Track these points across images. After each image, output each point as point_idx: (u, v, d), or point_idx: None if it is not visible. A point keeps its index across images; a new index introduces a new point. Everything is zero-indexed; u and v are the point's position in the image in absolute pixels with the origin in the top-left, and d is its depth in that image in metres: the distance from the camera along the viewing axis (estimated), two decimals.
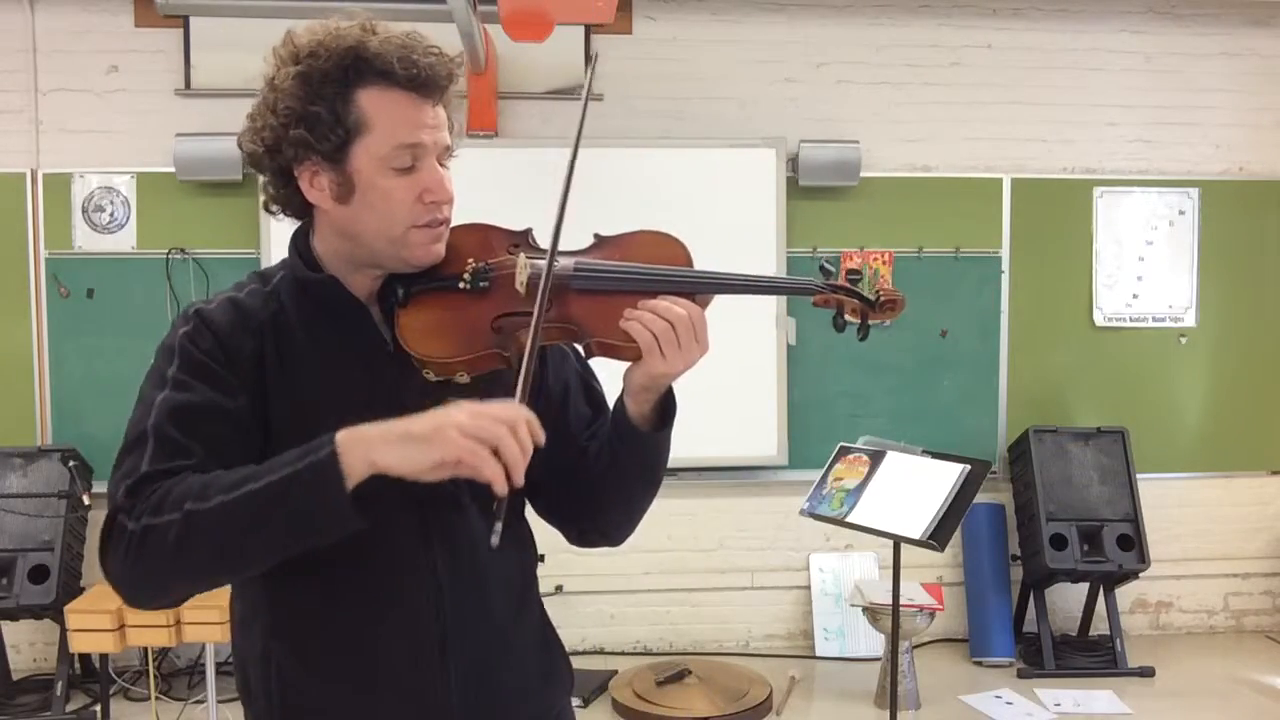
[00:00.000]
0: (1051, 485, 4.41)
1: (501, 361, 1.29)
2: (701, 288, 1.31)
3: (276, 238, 4.16)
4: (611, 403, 1.41)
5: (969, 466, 3.20)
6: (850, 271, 1.38)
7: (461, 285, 1.31)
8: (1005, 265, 4.64)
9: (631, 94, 4.44)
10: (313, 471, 1.13)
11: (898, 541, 3.20)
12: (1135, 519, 4.37)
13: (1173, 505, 4.75)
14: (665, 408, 1.35)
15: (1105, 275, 4.71)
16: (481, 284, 1.31)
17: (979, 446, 4.48)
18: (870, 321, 1.38)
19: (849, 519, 3.26)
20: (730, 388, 4.24)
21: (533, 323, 1.23)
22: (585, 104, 1.29)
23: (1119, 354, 4.73)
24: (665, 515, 4.17)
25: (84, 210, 4.31)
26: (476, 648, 1.36)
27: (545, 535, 1.53)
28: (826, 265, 1.38)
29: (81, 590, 3.94)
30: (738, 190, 4.41)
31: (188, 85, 4.36)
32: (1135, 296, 4.73)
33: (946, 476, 3.19)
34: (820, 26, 4.58)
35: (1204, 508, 4.80)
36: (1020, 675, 4.27)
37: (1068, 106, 4.68)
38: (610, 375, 1.40)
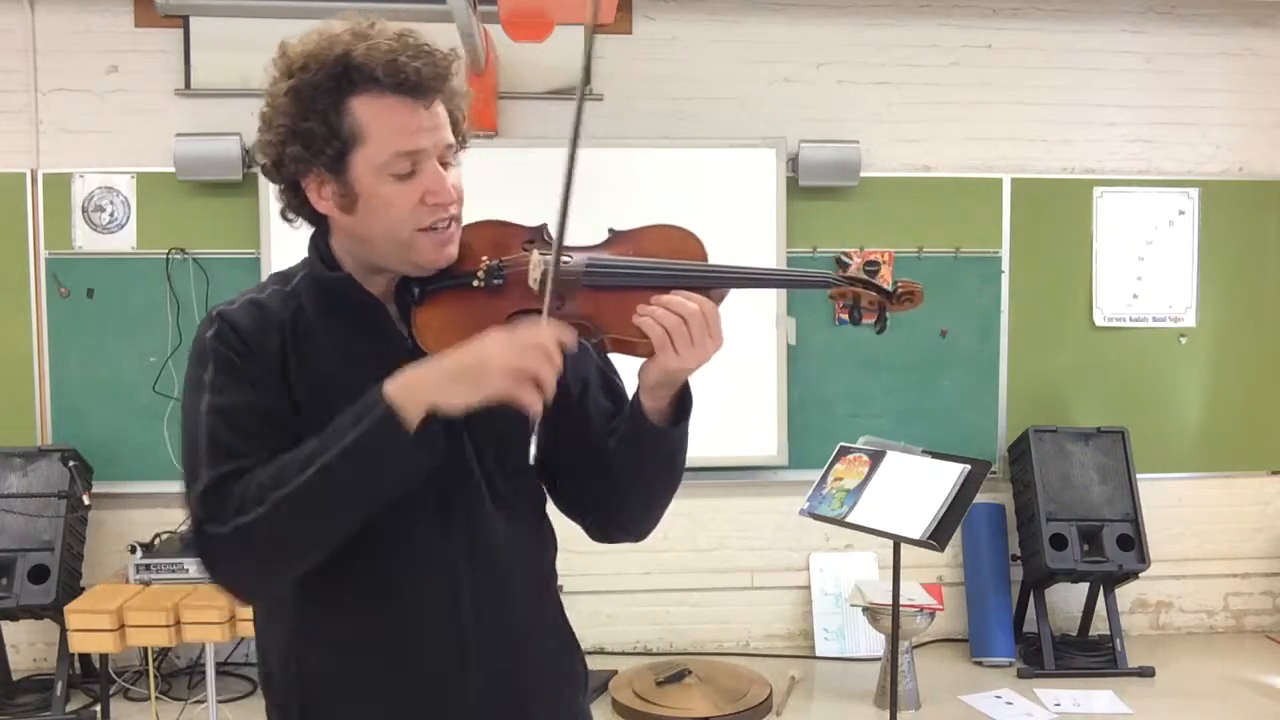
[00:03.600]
0: (1051, 485, 4.41)
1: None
2: (715, 282, 1.30)
3: (276, 238, 4.17)
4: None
5: (969, 466, 3.20)
6: (867, 263, 1.38)
7: (476, 283, 1.31)
8: (1005, 265, 4.64)
9: (631, 94, 4.44)
10: (374, 432, 1.18)
11: (898, 541, 3.20)
12: (1135, 519, 4.37)
13: (1173, 505, 4.75)
14: (682, 403, 1.35)
15: (1105, 275, 4.71)
16: (495, 281, 1.31)
17: (979, 446, 4.47)
18: (888, 313, 1.38)
19: (849, 519, 3.26)
20: (730, 388, 4.24)
21: (542, 320, 1.24)
22: (580, 101, 1.29)
23: (1119, 354, 4.72)
24: (665, 515, 4.16)
25: (84, 210, 4.31)
26: (496, 642, 1.36)
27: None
28: (843, 258, 1.39)
29: (81, 590, 3.93)
30: (738, 190, 4.41)
31: (188, 85, 4.36)
32: (1135, 296, 4.73)
33: (946, 476, 3.19)
34: (820, 26, 4.58)
35: (1204, 508, 4.80)
36: (1020, 675, 4.27)
37: (1068, 106, 4.68)
38: (630, 369, 1.40)
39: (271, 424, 1.27)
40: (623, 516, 1.45)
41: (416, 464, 1.21)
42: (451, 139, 1.32)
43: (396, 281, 1.34)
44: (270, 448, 1.24)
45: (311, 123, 1.25)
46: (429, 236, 1.30)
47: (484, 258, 1.32)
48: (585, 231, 1.34)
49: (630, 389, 1.41)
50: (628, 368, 1.41)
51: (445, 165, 1.31)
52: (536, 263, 1.29)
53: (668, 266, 1.30)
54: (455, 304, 1.31)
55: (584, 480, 1.42)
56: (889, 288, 1.36)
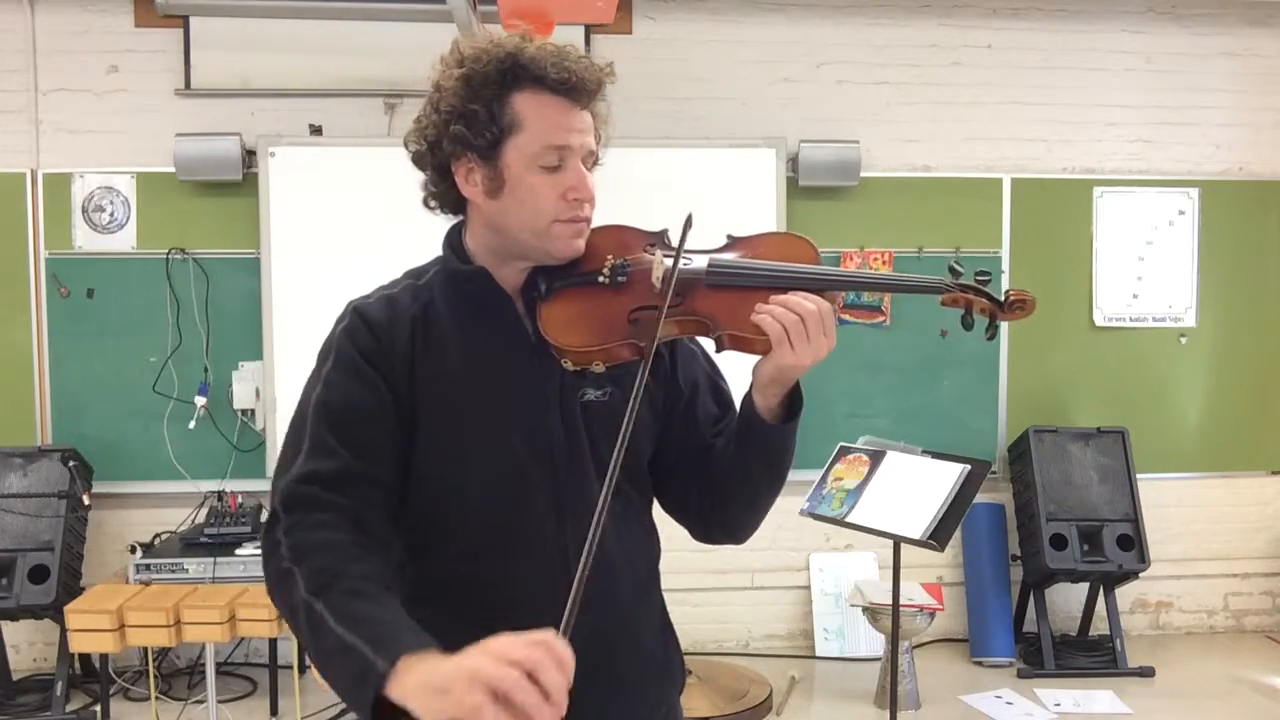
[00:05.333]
0: (1051, 485, 4.41)
1: (635, 352, 1.34)
2: (830, 284, 1.37)
3: (276, 238, 4.16)
4: (738, 399, 1.47)
5: (969, 466, 3.20)
6: (979, 272, 1.41)
7: (601, 279, 1.37)
8: (1005, 265, 4.65)
9: (631, 94, 4.44)
10: (364, 670, 1.17)
11: (898, 541, 3.20)
12: (1135, 519, 4.37)
13: (1173, 505, 4.75)
14: (792, 402, 1.42)
15: (1105, 275, 4.71)
16: (620, 279, 1.37)
17: (979, 446, 4.48)
18: (998, 321, 1.41)
19: (849, 519, 3.26)
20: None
21: (660, 312, 1.30)
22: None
23: (1119, 354, 4.72)
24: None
25: (84, 210, 4.31)
26: (598, 632, 1.37)
27: None
28: (955, 266, 1.42)
29: (81, 590, 3.93)
30: (738, 190, 4.41)
31: (188, 85, 4.36)
32: (1135, 296, 4.73)
33: (946, 476, 3.19)
34: (820, 26, 4.59)
35: (1204, 508, 4.81)
36: (1020, 675, 4.27)
37: (1068, 106, 4.68)
38: (738, 373, 1.46)
39: (374, 427, 1.33)
40: (726, 516, 1.50)
41: (358, 712, 1.21)
42: (595, 147, 1.43)
43: (525, 277, 1.41)
44: (362, 454, 1.31)
45: (476, 106, 1.33)
46: (565, 228, 1.37)
47: (609, 256, 1.39)
48: (699, 239, 1.41)
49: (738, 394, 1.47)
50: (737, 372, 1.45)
51: (586, 168, 1.40)
52: (659, 262, 1.35)
53: (786, 269, 1.37)
54: (580, 299, 1.37)
55: (690, 480, 1.48)
56: (1000, 297, 1.41)
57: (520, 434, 1.38)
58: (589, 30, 4.43)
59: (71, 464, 4.08)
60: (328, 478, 1.29)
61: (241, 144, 4.21)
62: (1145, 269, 4.73)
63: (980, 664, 4.42)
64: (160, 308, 4.31)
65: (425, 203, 1.45)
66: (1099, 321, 4.71)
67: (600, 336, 1.34)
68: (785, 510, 4.25)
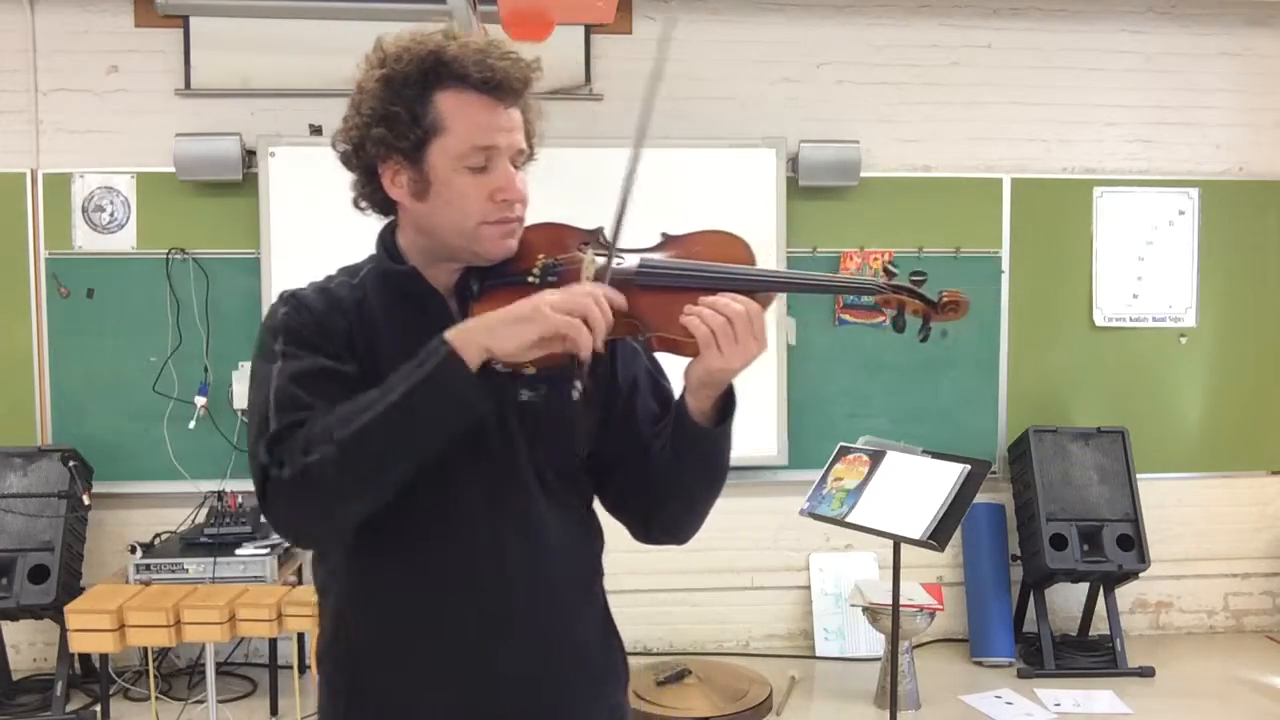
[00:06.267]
0: (1051, 485, 4.41)
1: (568, 354, 1.33)
2: (761, 286, 1.34)
3: (276, 238, 4.17)
4: None
5: (969, 466, 3.20)
6: (914, 273, 1.39)
7: (531, 279, 1.36)
8: (1005, 265, 4.64)
9: (631, 94, 4.43)
10: (438, 372, 1.22)
11: (898, 541, 3.20)
12: (1135, 519, 4.37)
13: (1173, 505, 4.75)
14: (725, 404, 1.39)
15: (1105, 275, 4.71)
16: (550, 279, 1.35)
17: (979, 446, 4.48)
18: (932, 323, 1.39)
19: (849, 519, 3.26)
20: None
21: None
22: (651, 99, 1.36)
23: (1119, 354, 4.72)
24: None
25: (84, 210, 4.31)
26: (539, 618, 1.39)
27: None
28: (890, 267, 1.40)
29: (81, 590, 3.93)
30: (738, 190, 4.41)
31: (188, 85, 4.36)
32: (1135, 296, 4.73)
33: (946, 476, 3.19)
34: (820, 26, 4.59)
35: (1204, 508, 4.81)
36: (1020, 675, 4.27)
37: (1068, 106, 4.68)
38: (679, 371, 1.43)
39: (340, 384, 1.31)
40: (665, 517, 1.48)
41: (475, 405, 1.26)
42: (525, 145, 1.40)
43: (458, 277, 1.40)
44: (337, 403, 1.29)
45: (398, 108, 1.32)
46: (494, 229, 1.35)
47: (540, 255, 1.37)
48: (635, 236, 1.38)
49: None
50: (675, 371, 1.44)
51: (515, 167, 1.38)
52: (590, 261, 1.33)
53: (717, 269, 1.34)
54: (511, 299, 1.34)
55: (629, 479, 1.45)
56: (934, 298, 1.38)
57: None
58: (589, 30, 4.43)
59: (71, 464, 4.08)
60: (303, 422, 1.27)
61: (241, 144, 4.21)
62: (1145, 269, 4.73)
63: (980, 664, 4.42)
64: (160, 308, 4.31)
65: (355, 203, 1.43)
66: (1099, 321, 4.71)
67: None
68: (785, 510, 4.29)
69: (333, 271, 1.47)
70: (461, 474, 1.34)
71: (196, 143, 4.20)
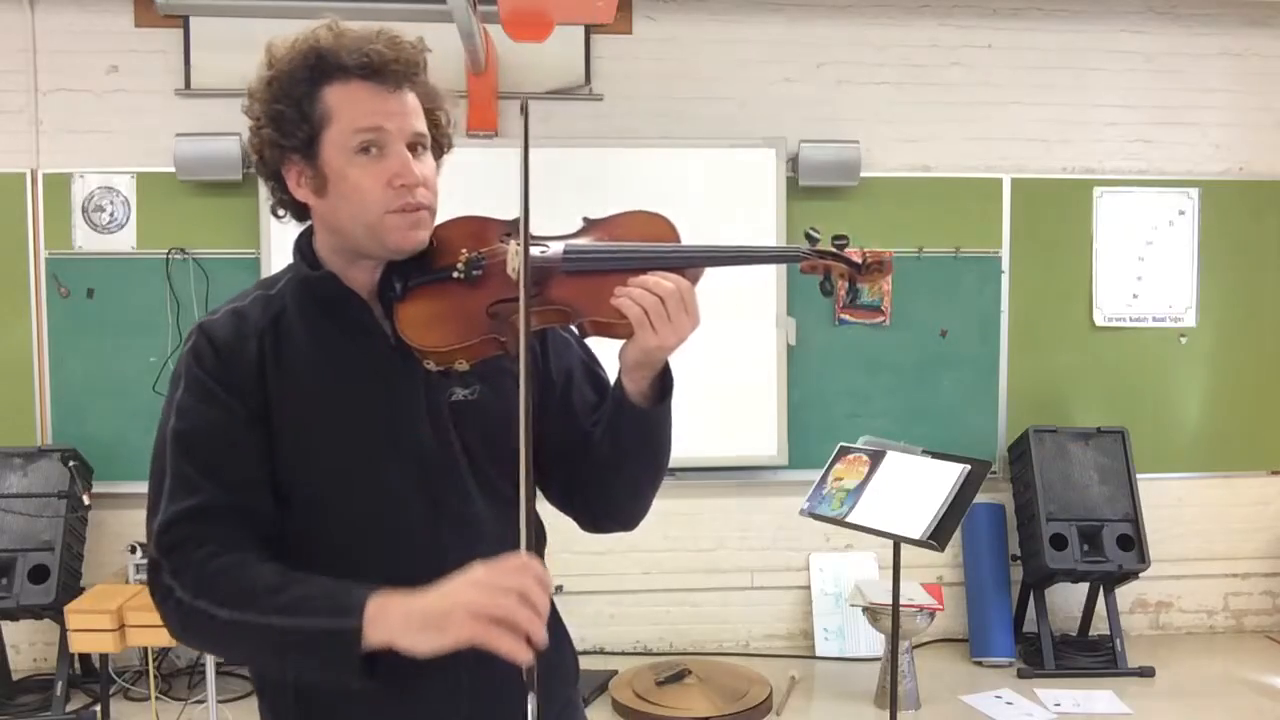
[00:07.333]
0: (1051, 485, 4.41)
1: (499, 347, 1.32)
2: (688, 262, 1.33)
3: (276, 238, 4.16)
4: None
5: (969, 466, 3.20)
6: (836, 236, 1.39)
7: (456, 275, 1.34)
8: (1005, 265, 4.64)
9: (631, 94, 4.44)
10: (334, 639, 1.21)
11: (898, 541, 3.20)
12: (1135, 519, 4.37)
13: (1173, 505, 4.75)
14: (663, 384, 1.37)
15: (1105, 275, 4.71)
16: (475, 273, 1.34)
17: (979, 446, 4.47)
18: (858, 284, 1.40)
19: (849, 519, 3.27)
20: (730, 388, 4.25)
21: (520, 306, 1.26)
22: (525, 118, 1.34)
23: (1119, 354, 4.73)
24: (665, 515, 4.16)
25: (84, 210, 4.32)
26: None
27: (549, 536, 1.53)
28: (812, 232, 1.40)
29: (81, 590, 3.93)
30: (738, 190, 4.41)
31: (188, 85, 4.36)
32: (1135, 296, 4.73)
33: (946, 476, 3.19)
34: (820, 26, 4.58)
35: (1204, 508, 4.80)
36: (1020, 675, 4.27)
37: (1068, 106, 4.68)
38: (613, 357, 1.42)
39: (233, 453, 1.30)
40: (609, 504, 1.47)
41: (348, 682, 1.23)
42: (422, 129, 1.36)
43: (379, 279, 1.37)
44: (224, 482, 1.29)
45: (283, 106, 1.31)
46: (398, 218, 1.32)
47: (463, 250, 1.35)
48: (565, 225, 1.37)
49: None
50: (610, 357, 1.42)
51: (414, 153, 1.34)
52: (514, 252, 1.31)
53: (643, 249, 1.34)
54: (437, 297, 1.34)
55: (571, 470, 1.44)
56: (857, 260, 1.39)
57: (387, 440, 1.35)
58: (589, 30, 4.42)
59: (71, 464, 4.08)
60: (197, 514, 1.27)
61: (241, 144, 4.21)
62: (1145, 269, 4.73)
63: (980, 664, 4.42)
64: (160, 308, 4.31)
65: (273, 211, 1.42)
66: (1099, 321, 4.71)
67: (460, 334, 1.30)
68: (785, 510, 4.29)
69: (250, 285, 1.45)
70: (397, 476, 1.34)
71: (196, 143, 4.20)
